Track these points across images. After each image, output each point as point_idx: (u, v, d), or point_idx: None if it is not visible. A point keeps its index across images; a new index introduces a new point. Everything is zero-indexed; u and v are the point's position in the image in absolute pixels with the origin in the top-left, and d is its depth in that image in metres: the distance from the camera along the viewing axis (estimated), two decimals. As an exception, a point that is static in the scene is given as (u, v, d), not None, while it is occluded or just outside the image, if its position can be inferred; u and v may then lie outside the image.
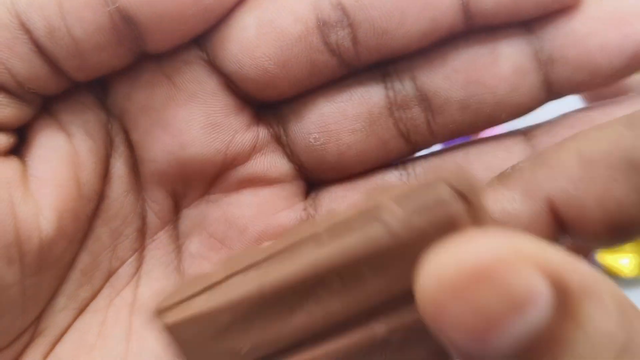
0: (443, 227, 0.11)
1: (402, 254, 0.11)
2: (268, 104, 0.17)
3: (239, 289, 0.13)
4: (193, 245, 0.17)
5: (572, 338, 0.10)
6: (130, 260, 0.17)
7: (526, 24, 0.15)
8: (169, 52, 0.16)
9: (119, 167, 0.16)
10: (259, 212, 0.17)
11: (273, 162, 0.17)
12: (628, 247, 0.35)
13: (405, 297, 0.11)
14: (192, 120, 0.16)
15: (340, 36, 0.15)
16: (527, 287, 0.09)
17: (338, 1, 0.15)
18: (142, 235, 0.17)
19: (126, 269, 0.17)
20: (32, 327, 0.16)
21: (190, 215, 0.17)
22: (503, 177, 0.14)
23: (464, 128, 0.16)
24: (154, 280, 0.17)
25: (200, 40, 0.16)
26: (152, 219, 0.17)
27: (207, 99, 0.16)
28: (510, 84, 0.15)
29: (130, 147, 0.16)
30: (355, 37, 0.15)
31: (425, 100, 0.16)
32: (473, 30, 0.15)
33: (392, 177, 0.17)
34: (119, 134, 0.16)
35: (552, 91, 0.16)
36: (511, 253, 0.09)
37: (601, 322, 0.10)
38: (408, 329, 0.12)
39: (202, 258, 0.17)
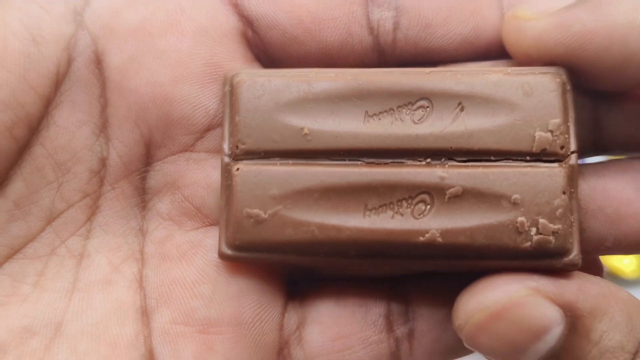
0: None
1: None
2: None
3: (323, 72, 0.14)
4: (163, 205, 0.15)
5: (586, 353, 0.13)
6: (79, 204, 0.14)
7: None
8: None
9: (75, 93, 0.14)
10: None
11: None
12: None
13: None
14: (194, 54, 0.14)
15: (384, 16, 0.15)
16: (543, 318, 0.12)
17: None
18: (99, 179, 0.15)
19: (73, 214, 0.14)
20: None
21: (164, 170, 0.15)
22: None
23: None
24: (109, 234, 0.15)
25: None
26: (115, 162, 0.15)
27: (217, 37, 0.14)
28: None
29: (101, 72, 0.14)
30: (398, 22, 0.15)
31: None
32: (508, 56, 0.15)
33: None
34: (85, 54, 0.14)
35: None
36: (529, 292, 0.13)
37: (611, 336, 0.13)
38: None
39: (172, 221, 0.15)
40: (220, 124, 0.15)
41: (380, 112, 0.14)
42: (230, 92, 0.14)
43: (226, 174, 0.14)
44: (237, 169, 0.14)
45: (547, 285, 0.13)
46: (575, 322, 0.12)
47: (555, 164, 0.13)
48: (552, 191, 0.13)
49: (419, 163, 0.14)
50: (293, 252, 0.14)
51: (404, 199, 0.13)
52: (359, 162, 0.14)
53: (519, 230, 0.13)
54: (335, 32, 0.15)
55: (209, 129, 0.15)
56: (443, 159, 0.14)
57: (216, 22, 0.14)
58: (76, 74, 0.14)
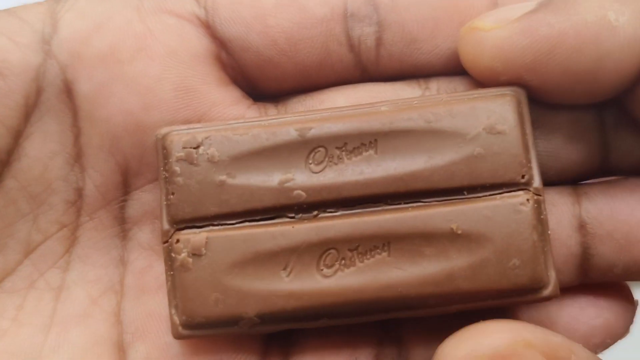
0: None
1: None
2: (261, 92, 0.15)
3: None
4: (143, 235, 0.15)
5: None
6: (56, 235, 0.14)
7: None
8: None
9: (46, 123, 0.14)
10: None
11: None
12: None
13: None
14: (164, 79, 0.14)
15: (365, 32, 0.14)
16: None
17: None
18: (76, 210, 0.14)
19: (51, 246, 0.14)
20: None
21: (143, 198, 0.14)
22: None
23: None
24: (89, 266, 0.14)
25: None
26: (92, 192, 0.14)
27: (188, 59, 0.14)
28: None
29: (71, 101, 0.14)
30: (381, 38, 0.14)
31: None
32: None
33: None
34: (54, 84, 0.14)
35: None
36: (525, 345, 0.12)
37: None
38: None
39: (153, 251, 0.14)
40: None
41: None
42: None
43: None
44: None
45: (536, 337, 0.12)
46: None
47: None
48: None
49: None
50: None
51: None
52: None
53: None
54: (312, 52, 0.14)
55: None
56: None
57: (187, 45, 0.14)
58: (46, 104, 0.14)
